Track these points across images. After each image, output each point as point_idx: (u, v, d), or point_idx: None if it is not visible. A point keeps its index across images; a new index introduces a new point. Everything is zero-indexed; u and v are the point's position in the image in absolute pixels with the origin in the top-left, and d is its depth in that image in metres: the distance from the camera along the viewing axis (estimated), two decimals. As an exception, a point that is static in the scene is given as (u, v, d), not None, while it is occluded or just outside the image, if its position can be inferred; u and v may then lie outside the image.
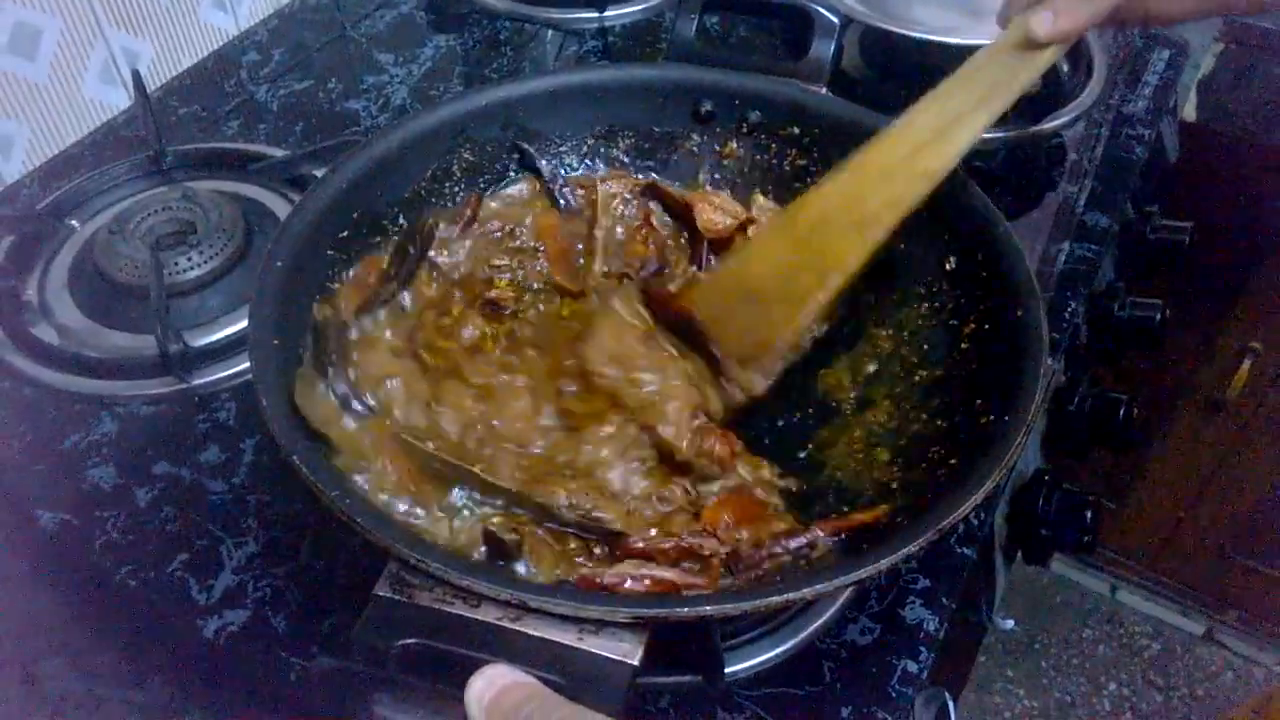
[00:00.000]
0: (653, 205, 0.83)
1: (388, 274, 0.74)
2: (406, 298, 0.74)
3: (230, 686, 0.71)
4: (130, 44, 1.12)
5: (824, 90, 0.81)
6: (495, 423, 0.68)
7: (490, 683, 0.43)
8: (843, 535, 0.61)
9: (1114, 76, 1.18)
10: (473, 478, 0.61)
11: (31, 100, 1.04)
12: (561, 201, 0.82)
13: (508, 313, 0.77)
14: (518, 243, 0.80)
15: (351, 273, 0.73)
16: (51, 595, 0.76)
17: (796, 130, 0.80)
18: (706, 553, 0.60)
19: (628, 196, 0.83)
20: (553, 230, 0.81)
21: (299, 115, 1.13)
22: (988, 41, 0.88)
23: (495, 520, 0.61)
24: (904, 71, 1.11)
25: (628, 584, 0.57)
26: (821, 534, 0.61)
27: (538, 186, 0.82)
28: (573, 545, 0.61)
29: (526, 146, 0.81)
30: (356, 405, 0.64)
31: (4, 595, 0.76)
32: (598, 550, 0.61)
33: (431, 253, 0.76)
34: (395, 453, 0.62)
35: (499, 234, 0.80)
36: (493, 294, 0.77)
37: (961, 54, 1.03)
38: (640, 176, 0.84)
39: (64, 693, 0.71)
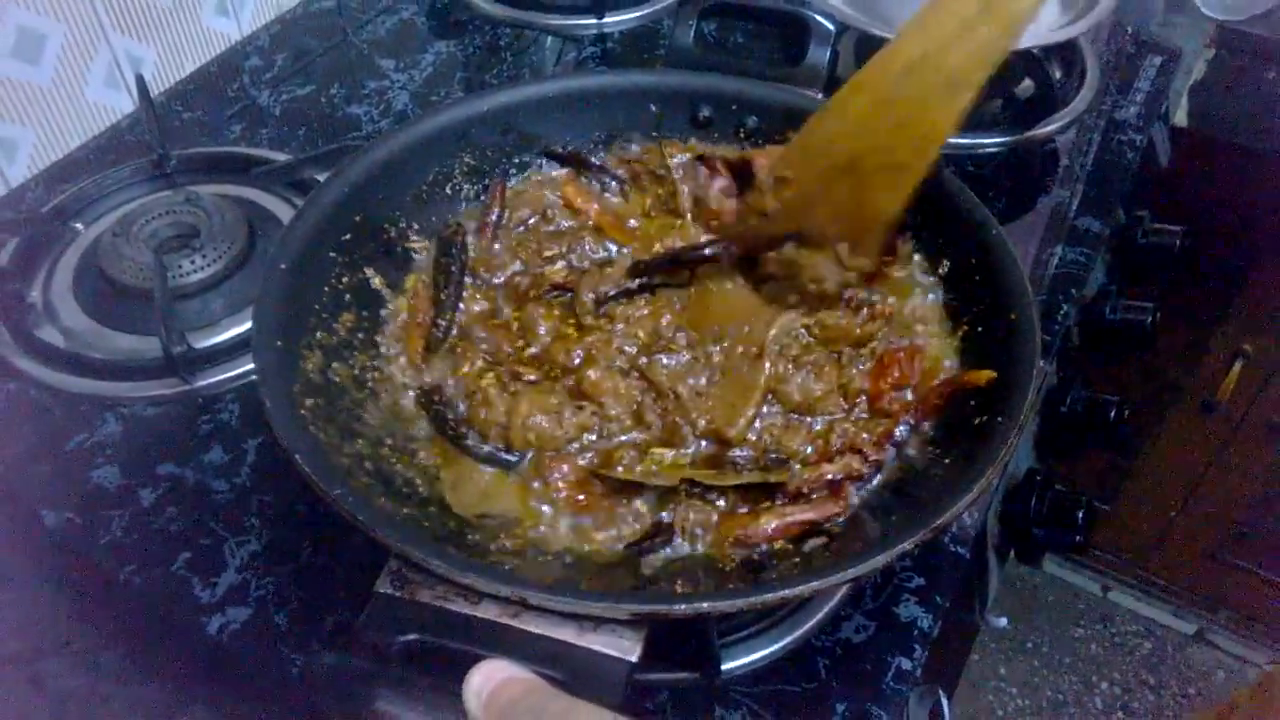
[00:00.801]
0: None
1: (438, 300, 0.74)
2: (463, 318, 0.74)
3: (233, 683, 0.71)
4: (134, 49, 1.13)
5: (820, 96, 0.82)
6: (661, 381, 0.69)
7: (488, 677, 0.44)
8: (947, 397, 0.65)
9: (1106, 83, 1.20)
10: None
11: (36, 105, 1.05)
12: (606, 179, 0.82)
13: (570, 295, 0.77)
14: (553, 227, 0.81)
15: (399, 318, 0.74)
16: (56, 593, 0.77)
17: (793, 135, 0.81)
18: (854, 473, 0.63)
19: (679, 162, 0.83)
20: (585, 195, 0.81)
21: (301, 120, 1.14)
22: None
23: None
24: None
25: (777, 530, 0.60)
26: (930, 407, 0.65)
27: (568, 173, 0.83)
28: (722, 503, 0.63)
29: (555, 147, 0.83)
30: (508, 456, 0.66)
31: (9, 593, 0.76)
32: (744, 508, 0.62)
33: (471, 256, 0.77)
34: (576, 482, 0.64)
35: (533, 220, 0.81)
36: (557, 279, 0.77)
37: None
38: (692, 142, 0.84)
39: (68, 690, 0.72)
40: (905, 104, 0.64)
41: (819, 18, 0.83)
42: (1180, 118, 1.36)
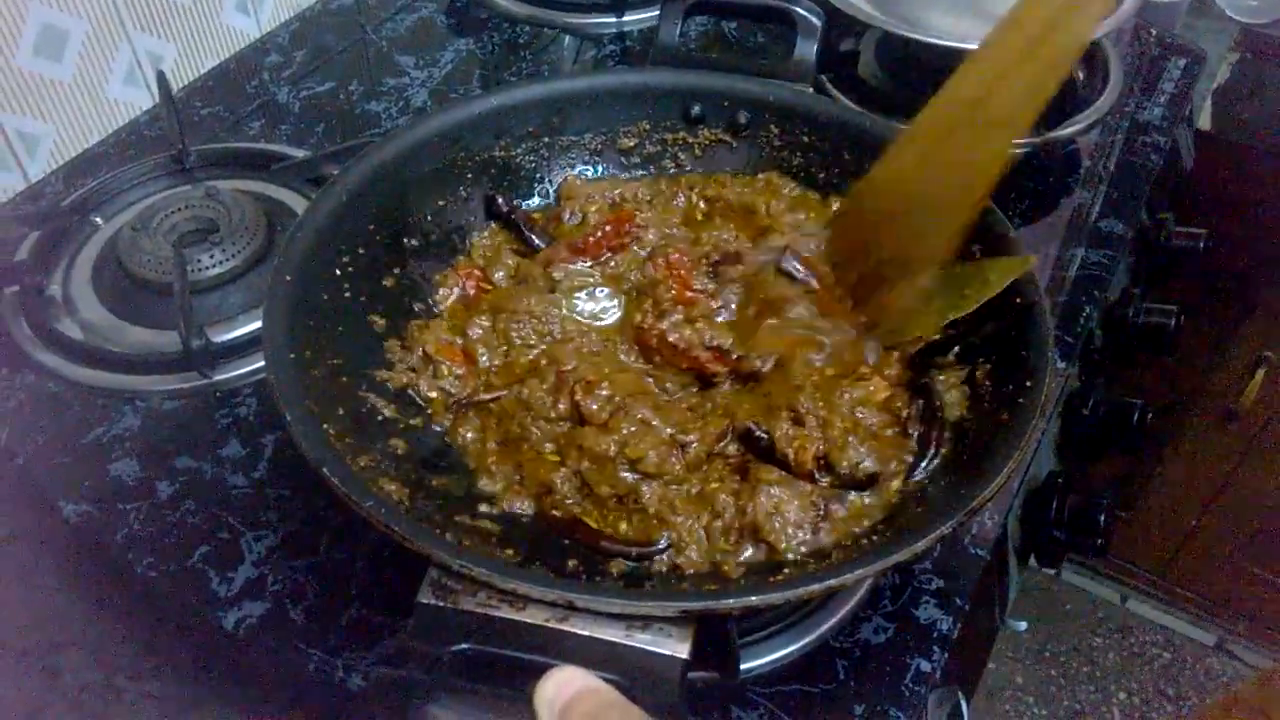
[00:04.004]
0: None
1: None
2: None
3: (249, 677, 0.71)
4: (154, 46, 1.13)
5: (809, 89, 0.82)
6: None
7: (560, 688, 0.42)
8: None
9: (1130, 84, 1.19)
10: None
11: (58, 100, 1.05)
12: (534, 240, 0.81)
13: None
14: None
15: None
16: (73, 586, 0.77)
17: (785, 129, 0.82)
18: None
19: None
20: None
21: (320, 116, 1.14)
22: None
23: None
24: (921, 78, 1.11)
25: None
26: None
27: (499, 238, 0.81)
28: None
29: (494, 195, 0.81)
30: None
31: (27, 586, 0.77)
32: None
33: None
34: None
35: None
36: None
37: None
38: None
39: (84, 683, 0.72)
40: (954, 149, 0.65)
41: (804, 13, 0.83)
42: (1204, 121, 1.35)
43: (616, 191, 0.82)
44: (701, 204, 0.83)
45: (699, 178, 0.84)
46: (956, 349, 0.69)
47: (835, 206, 0.80)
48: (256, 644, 0.69)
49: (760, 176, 0.83)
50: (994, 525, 0.76)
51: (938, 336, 0.69)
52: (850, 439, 0.64)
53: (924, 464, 0.62)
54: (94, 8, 1.05)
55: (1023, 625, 0.97)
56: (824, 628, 0.69)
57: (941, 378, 0.67)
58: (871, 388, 0.67)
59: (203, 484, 0.78)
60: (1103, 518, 0.91)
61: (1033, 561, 0.98)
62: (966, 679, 0.81)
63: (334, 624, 0.70)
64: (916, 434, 0.64)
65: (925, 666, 0.67)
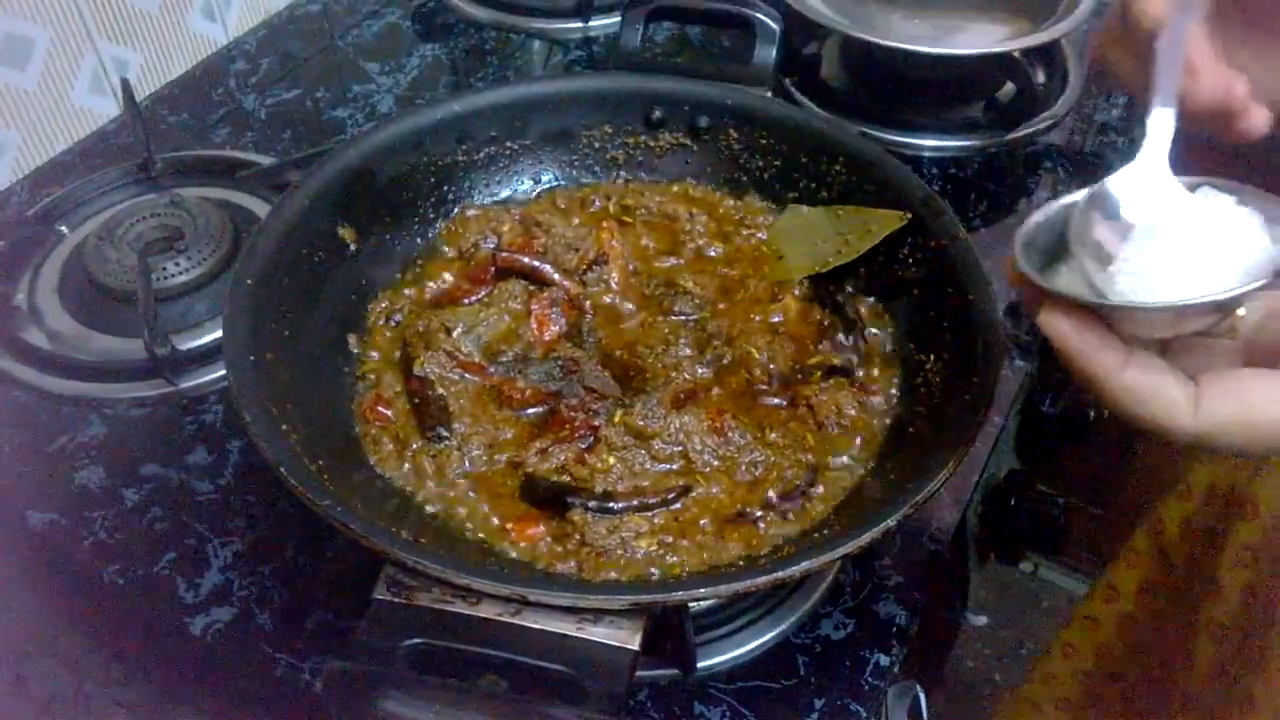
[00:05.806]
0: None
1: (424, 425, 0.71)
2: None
3: (218, 683, 0.72)
4: (119, 53, 1.13)
5: (768, 93, 0.84)
6: None
7: None
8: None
9: (1089, 85, 1.20)
10: None
11: (22, 109, 1.05)
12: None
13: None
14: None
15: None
16: (41, 595, 0.77)
17: (743, 132, 0.83)
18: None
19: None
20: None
21: (286, 123, 1.14)
22: (962, 51, 0.89)
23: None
24: (882, 80, 1.13)
25: None
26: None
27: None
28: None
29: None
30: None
31: (-7, 595, 0.77)
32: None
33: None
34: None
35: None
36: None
37: (936, 63, 1.06)
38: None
39: (53, 692, 0.72)
40: None
41: (763, 18, 0.85)
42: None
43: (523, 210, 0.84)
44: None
45: (615, 187, 0.86)
46: (863, 273, 0.76)
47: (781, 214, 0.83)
48: (224, 649, 0.70)
49: (675, 185, 0.86)
50: (952, 521, 0.77)
51: (823, 270, 0.77)
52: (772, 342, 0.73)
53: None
54: (58, 15, 1.05)
55: (983, 619, 0.98)
56: (785, 624, 0.70)
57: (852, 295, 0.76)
58: (781, 307, 0.76)
59: (169, 491, 0.78)
60: (1060, 515, 0.92)
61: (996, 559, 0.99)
62: (928, 673, 0.82)
63: (301, 628, 0.70)
64: (830, 322, 0.75)
65: (884, 661, 0.69)
